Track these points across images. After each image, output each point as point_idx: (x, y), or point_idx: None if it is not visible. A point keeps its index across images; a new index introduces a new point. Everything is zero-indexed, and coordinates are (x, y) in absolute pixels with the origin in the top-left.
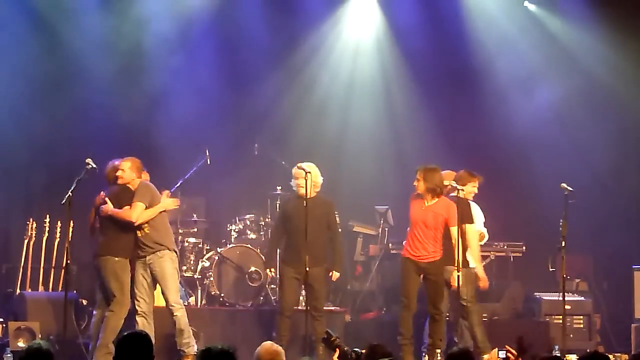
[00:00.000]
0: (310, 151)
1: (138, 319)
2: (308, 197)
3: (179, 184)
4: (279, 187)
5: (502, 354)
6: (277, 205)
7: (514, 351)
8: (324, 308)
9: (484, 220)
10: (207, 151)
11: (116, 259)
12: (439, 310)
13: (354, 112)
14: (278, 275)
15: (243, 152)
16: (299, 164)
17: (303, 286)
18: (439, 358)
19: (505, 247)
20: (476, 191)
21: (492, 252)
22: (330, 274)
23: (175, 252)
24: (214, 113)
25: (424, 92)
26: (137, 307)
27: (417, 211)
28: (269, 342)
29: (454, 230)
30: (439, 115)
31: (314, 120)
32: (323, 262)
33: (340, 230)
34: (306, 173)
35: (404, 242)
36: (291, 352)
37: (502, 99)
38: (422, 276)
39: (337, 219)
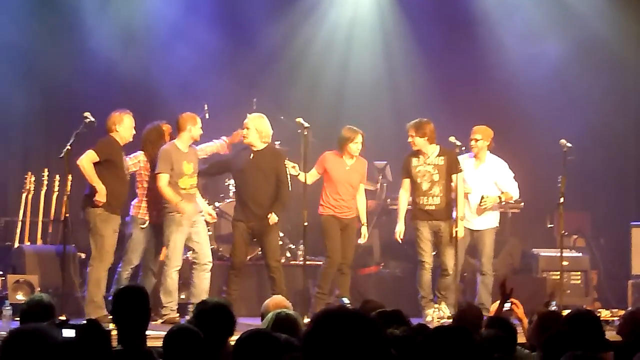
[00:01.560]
0: (308, 106)
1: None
2: (257, 149)
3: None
4: (277, 142)
5: (506, 306)
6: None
7: (518, 303)
8: (280, 260)
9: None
10: (205, 106)
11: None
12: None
13: (352, 67)
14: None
15: (241, 107)
16: (249, 115)
17: (255, 240)
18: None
19: (504, 203)
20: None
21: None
22: (268, 217)
23: None
24: (212, 68)
25: (422, 47)
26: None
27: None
28: (279, 295)
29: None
30: (437, 71)
31: (312, 75)
32: (270, 212)
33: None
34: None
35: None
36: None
37: (500, 55)
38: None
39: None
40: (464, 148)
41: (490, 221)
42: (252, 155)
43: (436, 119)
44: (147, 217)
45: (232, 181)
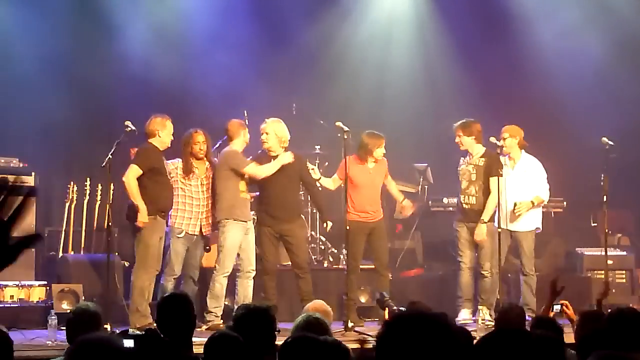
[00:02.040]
0: (347, 110)
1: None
2: (276, 154)
3: (217, 145)
4: (317, 147)
5: (556, 307)
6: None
7: (568, 304)
8: (308, 265)
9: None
10: (245, 112)
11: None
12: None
13: (390, 68)
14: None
15: (281, 112)
16: (267, 119)
17: (281, 243)
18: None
19: (546, 202)
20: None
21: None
22: (325, 225)
23: None
24: (250, 73)
25: (460, 45)
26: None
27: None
28: (320, 300)
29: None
30: (476, 69)
31: (351, 78)
32: (298, 218)
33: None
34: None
35: (444, 199)
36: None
37: (540, 51)
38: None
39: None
40: (504, 148)
41: (528, 223)
42: (271, 160)
43: (474, 117)
44: (182, 227)
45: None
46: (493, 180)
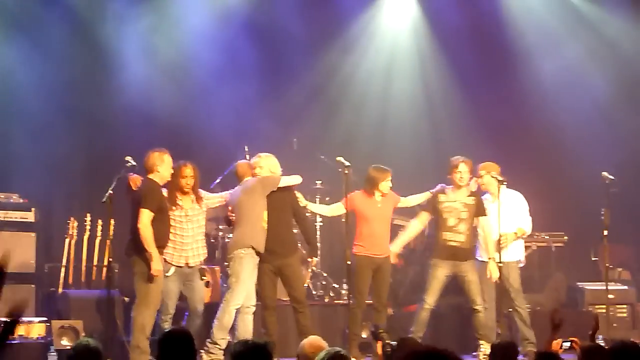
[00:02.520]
0: (349, 144)
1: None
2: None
3: (217, 180)
4: (318, 182)
5: (566, 345)
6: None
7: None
8: (305, 299)
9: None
10: (246, 147)
11: None
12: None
13: (392, 103)
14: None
15: (282, 147)
16: (260, 154)
17: (279, 278)
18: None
19: (547, 237)
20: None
21: (533, 243)
22: (310, 260)
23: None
24: (252, 108)
25: (462, 81)
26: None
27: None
28: (316, 336)
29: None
30: (476, 101)
31: (352, 114)
32: (295, 251)
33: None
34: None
35: None
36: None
37: (541, 85)
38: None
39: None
40: (505, 184)
41: (511, 254)
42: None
43: (476, 151)
44: (173, 262)
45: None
46: (484, 220)
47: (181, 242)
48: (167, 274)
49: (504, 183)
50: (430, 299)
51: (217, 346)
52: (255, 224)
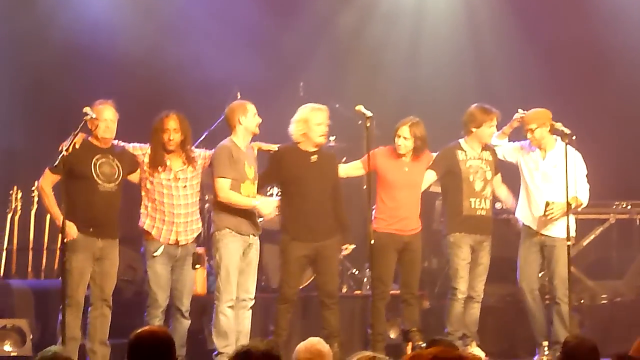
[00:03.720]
0: (369, 90)
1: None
2: (316, 149)
3: (203, 136)
4: (332, 138)
5: None
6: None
7: None
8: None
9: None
10: (238, 94)
11: None
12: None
13: (424, 39)
14: (283, 252)
15: (284, 94)
16: (312, 105)
17: (311, 266)
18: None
19: (630, 207)
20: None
21: (612, 215)
22: (345, 248)
23: None
24: (246, 46)
25: (516, 12)
26: None
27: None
28: (315, 338)
29: None
30: (534, 41)
31: (373, 52)
32: (337, 233)
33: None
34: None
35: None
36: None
37: (616, 24)
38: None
39: None
40: (574, 137)
41: (559, 228)
42: (313, 157)
43: (533, 101)
44: (161, 238)
45: (275, 190)
46: (497, 180)
47: (171, 213)
48: (154, 254)
49: (574, 137)
50: (463, 286)
51: (223, 355)
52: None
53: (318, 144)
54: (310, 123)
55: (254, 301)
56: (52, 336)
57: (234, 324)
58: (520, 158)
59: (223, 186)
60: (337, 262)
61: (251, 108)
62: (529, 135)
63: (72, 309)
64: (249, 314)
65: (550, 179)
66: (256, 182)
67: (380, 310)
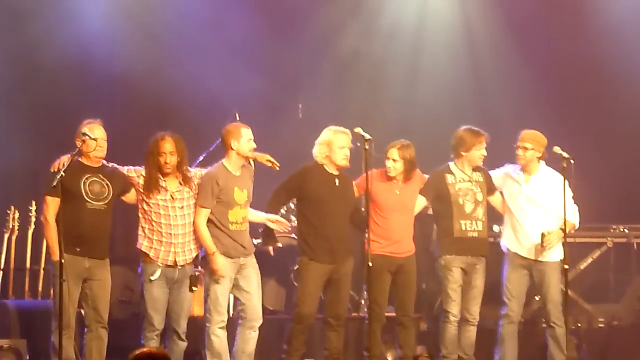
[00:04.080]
0: (368, 113)
1: None
2: (337, 172)
3: (201, 158)
4: None
5: None
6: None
7: None
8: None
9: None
10: (237, 115)
11: None
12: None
13: (424, 62)
14: (301, 273)
15: (284, 115)
16: (336, 127)
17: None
18: None
19: (627, 231)
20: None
21: (609, 238)
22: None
23: None
24: (245, 65)
25: (515, 34)
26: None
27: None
28: None
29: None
30: (534, 64)
31: (372, 74)
32: (351, 256)
33: None
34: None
35: (494, 227)
36: None
37: (617, 45)
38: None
39: None
40: (572, 161)
41: (553, 253)
42: (337, 181)
43: (530, 122)
44: (159, 261)
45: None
46: (497, 199)
47: (168, 234)
48: (151, 278)
49: (572, 160)
50: (454, 309)
51: None
52: (216, 225)
53: (340, 167)
54: (333, 146)
55: (261, 321)
56: (48, 357)
57: (240, 343)
58: (504, 184)
59: (199, 216)
60: (350, 285)
61: (246, 132)
62: (520, 152)
63: (64, 330)
64: (255, 334)
65: (534, 202)
66: (249, 204)
67: (376, 332)
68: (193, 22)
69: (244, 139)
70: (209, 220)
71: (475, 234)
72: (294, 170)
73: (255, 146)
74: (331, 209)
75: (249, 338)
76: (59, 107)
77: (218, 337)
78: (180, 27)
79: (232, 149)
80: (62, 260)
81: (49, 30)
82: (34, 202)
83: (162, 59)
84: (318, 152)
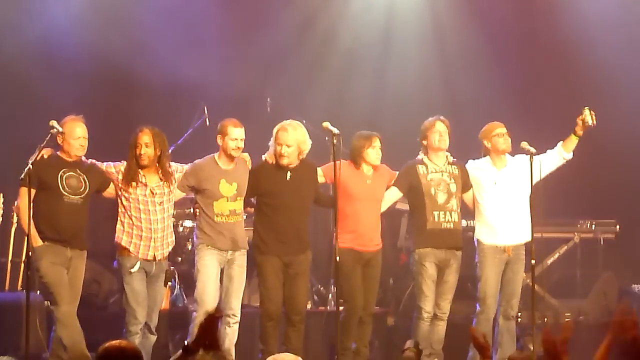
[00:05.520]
0: (336, 108)
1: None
2: (290, 165)
3: (169, 150)
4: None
5: None
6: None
7: None
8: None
9: None
10: (205, 109)
11: None
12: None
13: (392, 57)
14: (258, 269)
15: (252, 110)
16: (284, 123)
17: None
18: None
19: (594, 226)
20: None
21: (576, 234)
22: None
23: None
24: (213, 59)
25: (486, 27)
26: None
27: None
28: (287, 354)
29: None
30: (503, 58)
31: (341, 69)
32: (308, 248)
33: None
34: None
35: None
36: None
37: (588, 40)
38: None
39: None
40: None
41: (522, 233)
42: (288, 175)
43: (498, 114)
44: (139, 254)
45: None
46: (469, 195)
47: (148, 228)
48: (131, 270)
49: (537, 154)
50: (428, 305)
51: None
52: (202, 216)
53: (282, 165)
54: (275, 142)
55: (238, 318)
56: (15, 350)
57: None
58: (473, 177)
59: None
60: (307, 280)
61: (233, 132)
62: (501, 140)
63: (62, 312)
64: (232, 330)
65: (507, 187)
66: (239, 198)
67: (351, 326)
68: (160, 14)
69: (228, 137)
70: (201, 210)
71: (450, 225)
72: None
73: (241, 146)
74: (283, 203)
75: (226, 333)
76: (25, 99)
77: None
78: (148, 18)
79: (218, 143)
80: (45, 243)
81: (19, 24)
82: (0, 195)
83: (130, 52)
84: (270, 146)
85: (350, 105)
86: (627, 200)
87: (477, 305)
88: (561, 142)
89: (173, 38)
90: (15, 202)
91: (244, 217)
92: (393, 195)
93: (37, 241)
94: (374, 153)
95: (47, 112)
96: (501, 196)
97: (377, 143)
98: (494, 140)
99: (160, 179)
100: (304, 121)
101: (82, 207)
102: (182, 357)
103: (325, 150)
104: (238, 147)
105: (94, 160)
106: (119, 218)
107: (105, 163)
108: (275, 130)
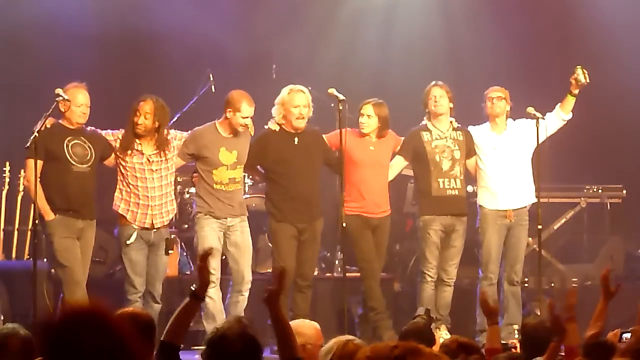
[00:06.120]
0: (342, 74)
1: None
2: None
3: (175, 118)
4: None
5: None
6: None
7: None
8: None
9: None
10: (211, 75)
11: None
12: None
13: (398, 23)
14: (272, 237)
15: (257, 76)
16: (292, 86)
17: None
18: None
19: (600, 191)
20: None
21: (582, 199)
22: None
23: None
24: (218, 25)
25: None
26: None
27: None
28: (305, 321)
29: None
30: (509, 23)
31: (346, 34)
32: (320, 215)
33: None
34: (339, 101)
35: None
36: None
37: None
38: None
39: None
40: (543, 120)
41: (524, 196)
42: (296, 140)
43: (504, 82)
44: (135, 223)
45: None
46: (472, 162)
47: (145, 196)
48: (127, 242)
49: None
50: (431, 270)
51: None
52: (200, 185)
53: (297, 128)
54: (287, 105)
55: (249, 285)
56: (22, 317)
57: (229, 306)
58: (477, 140)
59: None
60: (318, 246)
61: (245, 110)
62: (489, 105)
63: (71, 290)
64: (243, 297)
65: (508, 151)
66: (239, 166)
67: (373, 288)
68: None
69: (240, 114)
70: (200, 177)
71: (455, 192)
72: (253, 138)
73: (250, 123)
74: (295, 169)
75: (236, 301)
76: (31, 67)
77: (212, 298)
78: None
79: (226, 117)
80: (48, 219)
81: None
82: (7, 164)
83: (133, 15)
84: (276, 112)
85: (355, 73)
86: (634, 165)
87: (480, 270)
88: (559, 104)
89: (177, 4)
90: (23, 173)
91: (249, 183)
92: (399, 164)
93: (49, 214)
94: (363, 121)
95: (52, 80)
96: (501, 161)
97: (367, 110)
98: (487, 104)
99: (156, 146)
100: (309, 88)
101: (90, 176)
102: (191, 304)
103: (331, 116)
104: (246, 125)
105: (93, 128)
106: (117, 186)
107: (104, 131)
108: (285, 94)
